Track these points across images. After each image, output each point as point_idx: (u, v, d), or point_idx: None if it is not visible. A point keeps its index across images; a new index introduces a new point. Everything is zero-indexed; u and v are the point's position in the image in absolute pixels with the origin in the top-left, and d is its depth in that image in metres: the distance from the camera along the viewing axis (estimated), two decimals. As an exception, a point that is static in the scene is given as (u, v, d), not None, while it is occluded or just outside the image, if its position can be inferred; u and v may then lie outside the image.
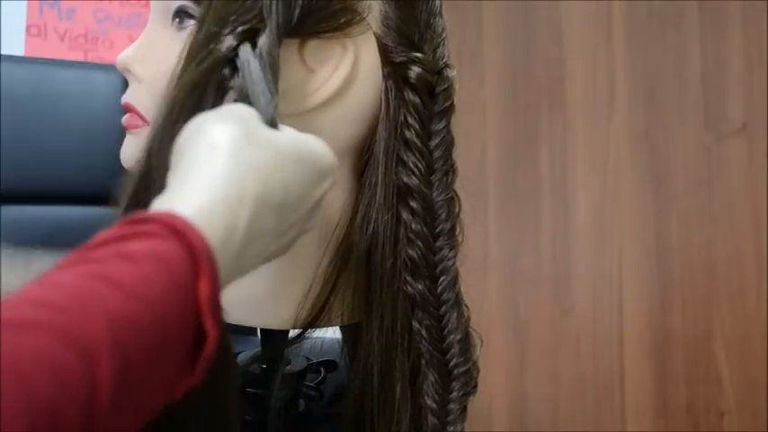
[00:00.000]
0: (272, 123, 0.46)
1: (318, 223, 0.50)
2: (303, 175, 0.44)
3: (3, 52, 1.70)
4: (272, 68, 0.48)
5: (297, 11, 0.51)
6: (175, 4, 0.54)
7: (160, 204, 0.39)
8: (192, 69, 0.48)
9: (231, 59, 0.48)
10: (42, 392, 0.29)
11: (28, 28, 1.82)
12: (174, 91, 0.48)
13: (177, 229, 0.36)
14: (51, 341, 0.30)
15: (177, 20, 0.55)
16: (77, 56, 1.85)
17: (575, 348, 1.71)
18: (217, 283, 0.36)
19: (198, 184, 0.39)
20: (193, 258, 0.36)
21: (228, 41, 0.49)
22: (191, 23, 0.54)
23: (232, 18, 0.49)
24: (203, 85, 0.47)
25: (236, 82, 0.48)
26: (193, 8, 0.53)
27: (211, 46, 0.49)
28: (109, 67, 1.14)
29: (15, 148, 1.05)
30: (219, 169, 0.40)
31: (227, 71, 0.48)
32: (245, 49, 0.48)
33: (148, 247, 0.35)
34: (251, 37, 0.49)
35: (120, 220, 0.37)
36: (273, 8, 0.50)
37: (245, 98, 0.47)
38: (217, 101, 0.48)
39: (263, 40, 0.49)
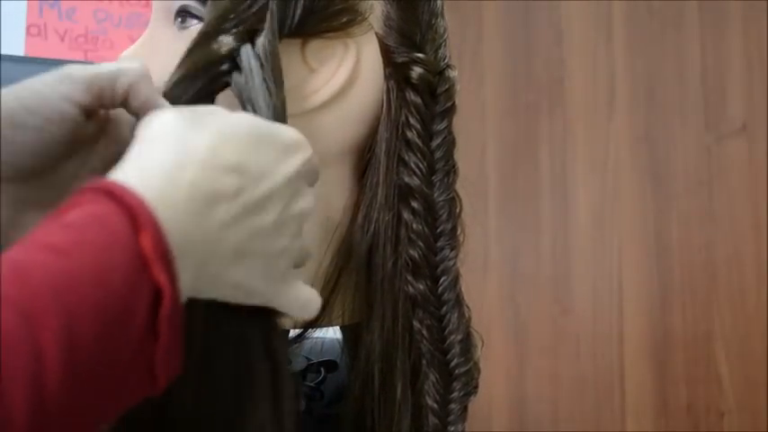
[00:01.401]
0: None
1: (317, 219, 0.49)
2: (260, 147, 0.43)
3: (3, 52, 1.69)
4: (274, 69, 0.48)
5: (298, 11, 0.51)
6: (177, 4, 0.54)
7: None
8: (186, 64, 0.48)
9: (230, 58, 0.48)
10: None
11: (28, 28, 1.82)
12: (165, 84, 0.48)
13: (111, 192, 0.36)
14: None
15: (179, 19, 0.55)
16: (77, 56, 1.85)
17: (575, 348, 1.71)
18: (161, 235, 0.36)
19: (136, 158, 0.40)
20: (130, 214, 0.36)
21: (227, 41, 0.49)
22: (193, 23, 0.54)
23: (231, 17, 0.50)
24: (193, 78, 0.48)
25: (237, 79, 0.48)
26: (196, 8, 0.53)
27: (208, 44, 0.49)
28: (109, 67, 1.14)
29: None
30: (158, 145, 0.40)
31: (225, 67, 0.48)
32: (246, 50, 0.48)
33: (84, 212, 0.36)
34: (251, 37, 0.49)
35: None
36: (273, 8, 0.50)
37: (245, 98, 0.47)
38: (208, 94, 0.48)
39: (261, 41, 0.49)
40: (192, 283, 0.39)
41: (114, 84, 0.45)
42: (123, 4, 1.90)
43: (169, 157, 0.39)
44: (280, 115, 0.48)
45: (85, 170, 0.46)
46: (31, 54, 1.81)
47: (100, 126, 0.47)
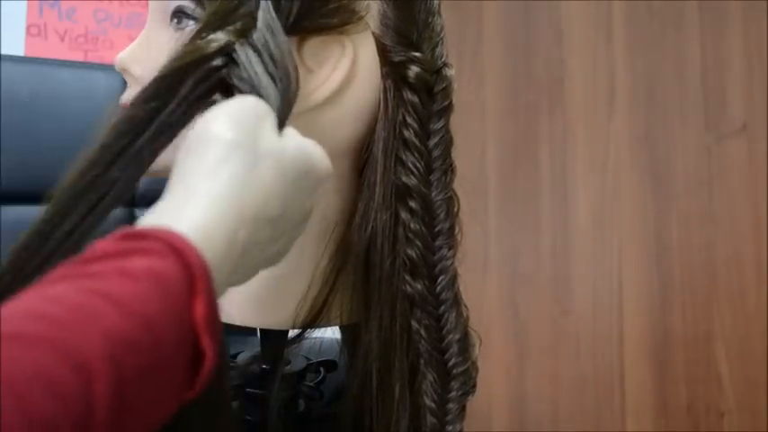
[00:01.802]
0: (281, 117, 0.46)
1: (305, 228, 0.50)
2: (301, 188, 0.45)
3: (3, 52, 1.70)
4: (275, 58, 0.48)
5: (294, 9, 0.51)
6: (173, 5, 0.54)
7: (161, 216, 0.39)
8: (177, 59, 0.47)
9: (224, 53, 0.48)
10: (39, 407, 0.29)
11: (28, 28, 1.82)
12: (150, 80, 0.47)
13: (176, 247, 0.36)
14: (48, 355, 0.30)
15: (175, 20, 0.55)
16: (77, 56, 1.85)
17: (575, 348, 1.71)
18: (213, 303, 0.36)
19: (199, 201, 0.39)
20: (190, 277, 0.36)
21: (218, 37, 0.48)
22: (189, 23, 0.54)
23: (225, 14, 0.49)
24: (183, 74, 0.47)
25: (236, 73, 0.47)
26: (191, 8, 0.53)
27: (200, 41, 0.48)
28: (109, 67, 1.14)
29: (15, 148, 1.06)
30: (221, 187, 0.40)
31: (218, 62, 0.47)
32: (241, 43, 0.48)
33: (147, 265, 0.35)
34: (245, 33, 0.49)
35: (117, 233, 0.37)
36: (265, 5, 0.50)
37: (249, 90, 0.47)
38: (206, 90, 0.47)
39: (257, 33, 0.49)
40: None
41: None
42: (123, 4, 1.90)
43: (232, 208, 0.40)
44: (288, 101, 0.47)
45: None
46: (31, 54, 1.81)
47: None
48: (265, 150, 0.43)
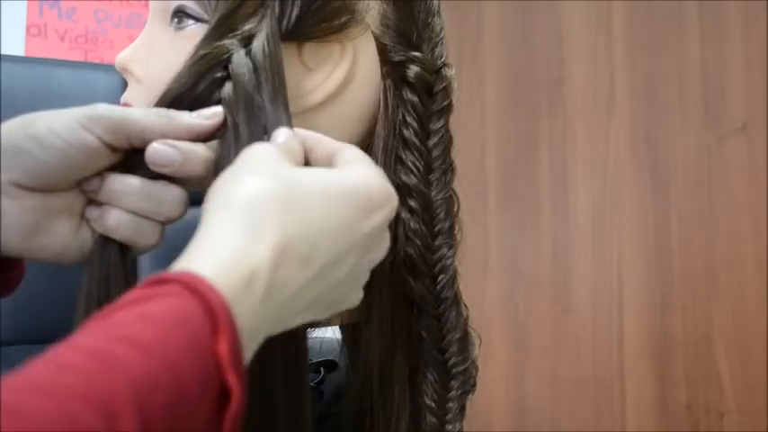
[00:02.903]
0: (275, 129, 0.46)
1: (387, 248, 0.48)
2: (340, 216, 0.42)
3: (3, 52, 1.70)
4: (273, 71, 0.48)
5: (294, 13, 0.51)
6: (174, 4, 0.54)
7: (184, 262, 0.39)
8: (186, 70, 0.48)
9: (225, 64, 0.48)
10: None
11: (28, 28, 1.82)
12: (166, 88, 0.49)
13: (195, 288, 0.36)
14: (73, 402, 0.31)
15: (176, 20, 0.55)
16: (77, 56, 1.85)
17: (575, 348, 1.71)
18: (237, 339, 0.36)
19: (217, 242, 0.39)
20: (212, 316, 0.36)
21: (225, 44, 0.49)
22: (189, 23, 0.54)
23: (232, 20, 0.50)
24: (192, 87, 0.48)
25: (227, 89, 0.48)
26: (192, 8, 0.53)
27: (208, 49, 0.49)
28: (109, 67, 1.14)
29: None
30: (235, 226, 0.40)
31: (219, 74, 0.48)
32: (239, 56, 0.48)
33: (167, 307, 0.36)
34: (248, 42, 0.49)
35: (144, 281, 0.38)
36: (271, 10, 0.50)
37: (243, 105, 0.47)
38: (208, 100, 0.48)
39: (257, 44, 0.49)
40: (255, 349, 0.40)
41: (143, 135, 0.46)
42: (123, 4, 1.90)
43: (253, 250, 0.39)
44: (284, 115, 0.48)
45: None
46: (31, 54, 1.81)
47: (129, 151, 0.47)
48: (283, 187, 0.42)
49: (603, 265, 1.70)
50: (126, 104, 0.57)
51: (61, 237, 0.47)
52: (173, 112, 0.47)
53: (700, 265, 1.61)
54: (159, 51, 0.55)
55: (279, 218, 0.40)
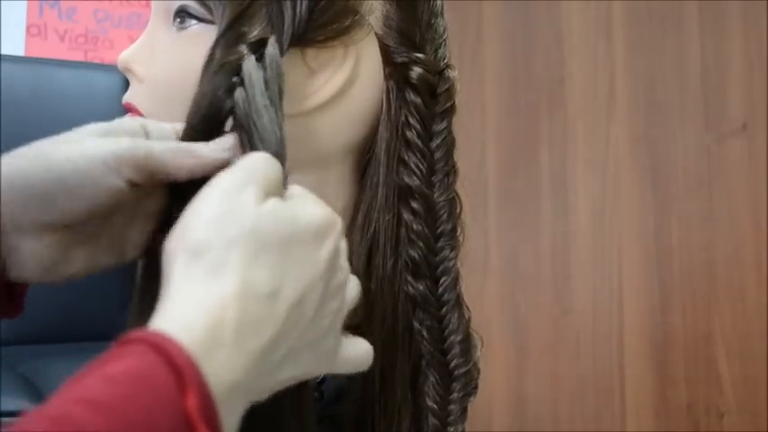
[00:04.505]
0: (278, 147, 0.46)
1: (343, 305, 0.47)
2: (292, 251, 0.42)
3: (3, 52, 1.70)
4: (279, 83, 0.48)
5: (303, 15, 0.51)
6: (176, 4, 0.54)
7: (154, 320, 0.39)
8: (206, 80, 0.48)
9: (238, 71, 0.48)
10: None
11: (28, 28, 1.82)
12: (191, 103, 0.48)
13: (158, 346, 0.36)
14: None
15: (178, 20, 0.54)
16: (77, 56, 1.85)
17: (575, 348, 1.71)
18: (207, 394, 0.36)
19: (180, 296, 0.39)
20: (177, 373, 0.35)
21: (240, 51, 0.48)
22: (192, 23, 0.54)
23: (244, 27, 0.49)
24: (215, 96, 0.47)
25: (239, 95, 0.47)
26: (194, 8, 0.53)
27: (225, 57, 0.48)
28: (109, 67, 1.14)
29: (15, 148, 1.05)
30: (195, 278, 0.39)
31: (234, 80, 0.48)
32: (250, 62, 0.48)
33: (129, 367, 0.35)
34: (257, 48, 0.49)
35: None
36: (279, 13, 0.50)
37: (247, 116, 0.47)
38: (222, 108, 0.48)
39: (269, 51, 0.49)
40: (241, 411, 0.39)
41: (170, 173, 0.45)
42: (123, 4, 1.90)
43: (217, 301, 0.38)
44: (278, 124, 0.47)
45: (136, 216, 0.47)
46: (31, 54, 1.81)
47: (149, 189, 0.47)
48: (236, 229, 0.41)
49: (603, 265, 1.70)
50: (128, 104, 0.57)
51: (79, 264, 0.46)
52: (193, 147, 0.46)
53: (700, 265, 1.61)
54: (161, 51, 0.55)
55: (240, 261, 0.39)
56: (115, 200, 0.44)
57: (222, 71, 0.48)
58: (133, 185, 0.44)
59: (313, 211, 0.44)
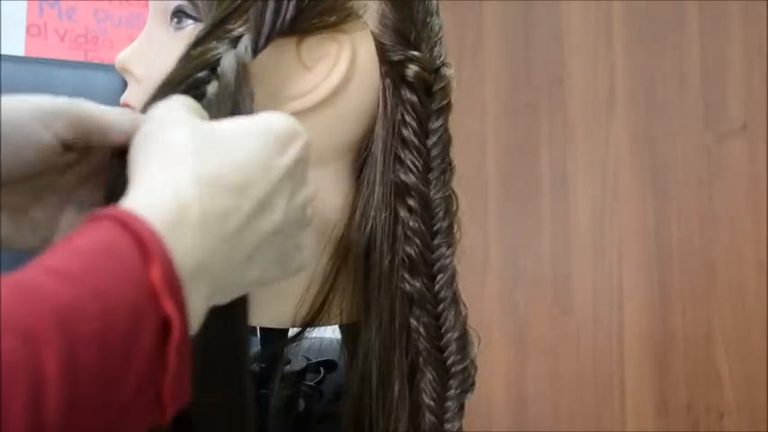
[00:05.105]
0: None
1: (315, 220, 0.49)
2: (255, 148, 0.43)
3: (3, 52, 1.70)
4: (255, 74, 0.49)
5: (290, 8, 0.51)
6: (173, 4, 0.55)
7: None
8: (175, 70, 0.49)
9: (214, 66, 0.49)
10: None
11: (28, 28, 1.82)
12: (155, 88, 0.49)
13: (123, 221, 0.36)
14: None
15: (175, 20, 0.55)
16: (77, 56, 1.85)
17: (575, 348, 1.71)
18: (171, 267, 0.36)
19: (145, 185, 0.40)
20: (141, 244, 0.36)
21: (215, 46, 0.49)
22: (189, 23, 0.54)
23: (223, 21, 0.50)
24: (176, 85, 0.48)
25: (212, 88, 0.48)
26: (191, 8, 0.54)
27: (199, 50, 0.49)
28: (109, 67, 1.14)
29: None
30: (166, 167, 0.41)
31: (203, 74, 0.49)
32: (228, 57, 0.49)
33: (95, 239, 0.36)
34: (236, 43, 0.50)
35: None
36: (260, 11, 0.51)
37: (224, 105, 0.47)
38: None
39: (240, 47, 0.49)
40: (207, 299, 0.40)
41: (105, 134, 0.45)
42: (123, 4, 1.90)
43: (179, 184, 0.39)
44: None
45: (62, 182, 0.47)
46: (31, 54, 1.81)
47: (81, 153, 0.47)
48: (198, 130, 0.43)
49: (603, 264, 1.70)
50: (126, 104, 0.58)
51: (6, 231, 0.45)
52: (140, 115, 0.46)
53: (699, 264, 1.61)
54: (159, 51, 0.56)
55: (202, 154, 0.41)
56: (43, 158, 0.44)
57: (194, 65, 0.49)
58: (66, 148, 0.44)
59: (278, 119, 0.46)
